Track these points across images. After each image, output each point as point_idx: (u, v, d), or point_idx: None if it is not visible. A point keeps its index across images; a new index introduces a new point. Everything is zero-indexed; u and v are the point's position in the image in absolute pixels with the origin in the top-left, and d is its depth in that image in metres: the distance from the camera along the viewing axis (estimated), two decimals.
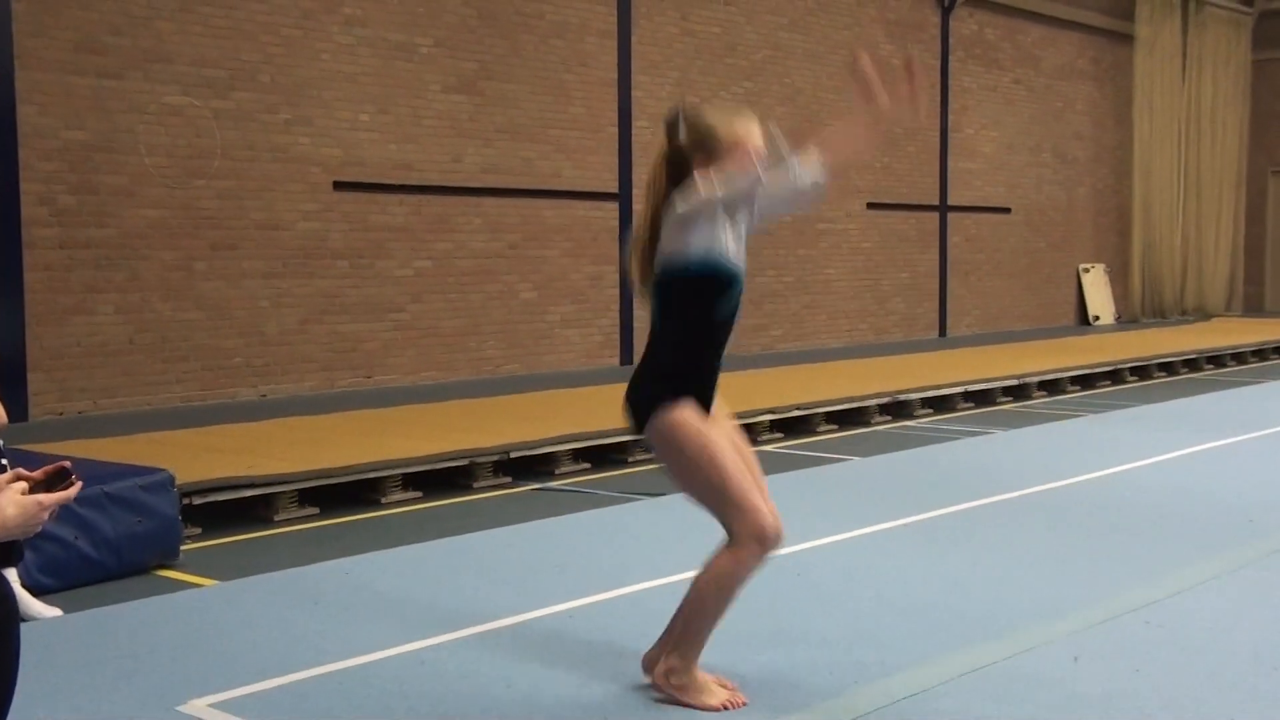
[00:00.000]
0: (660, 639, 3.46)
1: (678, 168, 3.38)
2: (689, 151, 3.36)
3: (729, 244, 3.31)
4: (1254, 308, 20.98)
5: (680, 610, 3.40)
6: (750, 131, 3.34)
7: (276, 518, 5.97)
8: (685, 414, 3.29)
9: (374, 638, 3.93)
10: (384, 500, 6.37)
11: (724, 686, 3.38)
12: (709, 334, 3.37)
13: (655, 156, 3.43)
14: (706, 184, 3.24)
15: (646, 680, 3.44)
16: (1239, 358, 13.66)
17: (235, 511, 5.93)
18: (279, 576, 4.77)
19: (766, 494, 3.37)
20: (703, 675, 3.36)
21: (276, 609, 4.29)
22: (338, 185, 10.09)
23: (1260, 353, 14.01)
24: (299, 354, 9.90)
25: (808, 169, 3.20)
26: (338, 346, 10.14)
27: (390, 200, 10.46)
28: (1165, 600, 4.28)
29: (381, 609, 4.28)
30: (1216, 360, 13.32)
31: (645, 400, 3.34)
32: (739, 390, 9.42)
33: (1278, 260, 21.19)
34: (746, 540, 3.28)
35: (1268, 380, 11.53)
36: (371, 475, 6.37)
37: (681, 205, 3.26)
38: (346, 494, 6.36)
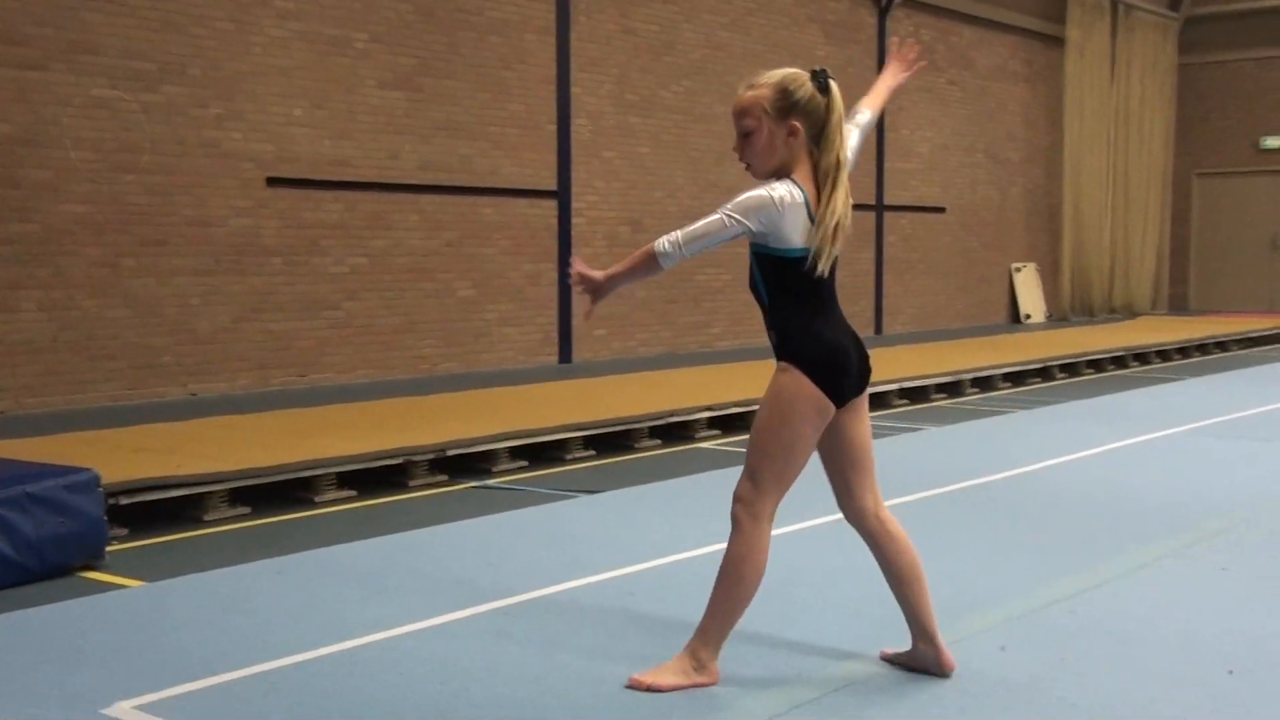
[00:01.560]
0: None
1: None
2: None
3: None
4: (1179, 307, 21.40)
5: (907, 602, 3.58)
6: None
7: (207, 518, 5.90)
8: (813, 390, 3.38)
9: (306, 638, 3.90)
10: (317, 499, 6.31)
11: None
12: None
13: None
14: None
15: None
16: (1164, 355, 13.93)
17: (164, 512, 5.86)
18: (209, 577, 4.71)
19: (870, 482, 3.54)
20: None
21: (206, 610, 4.24)
22: (271, 181, 9.99)
23: (1184, 350, 14.30)
24: (231, 352, 9.78)
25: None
26: (271, 345, 10.03)
27: (325, 197, 10.37)
28: (1090, 591, 4.36)
29: (313, 608, 4.24)
30: (1142, 358, 13.57)
31: (804, 351, 3.42)
32: (678, 388, 9.46)
33: (1202, 260, 21.64)
34: (744, 505, 3.43)
35: (1190, 377, 11.77)
36: (305, 474, 6.31)
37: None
38: (279, 493, 6.29)
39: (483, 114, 11.51)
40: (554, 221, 12.20)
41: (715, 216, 3.35)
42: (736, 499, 3.42)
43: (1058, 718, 3.22)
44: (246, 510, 6.06)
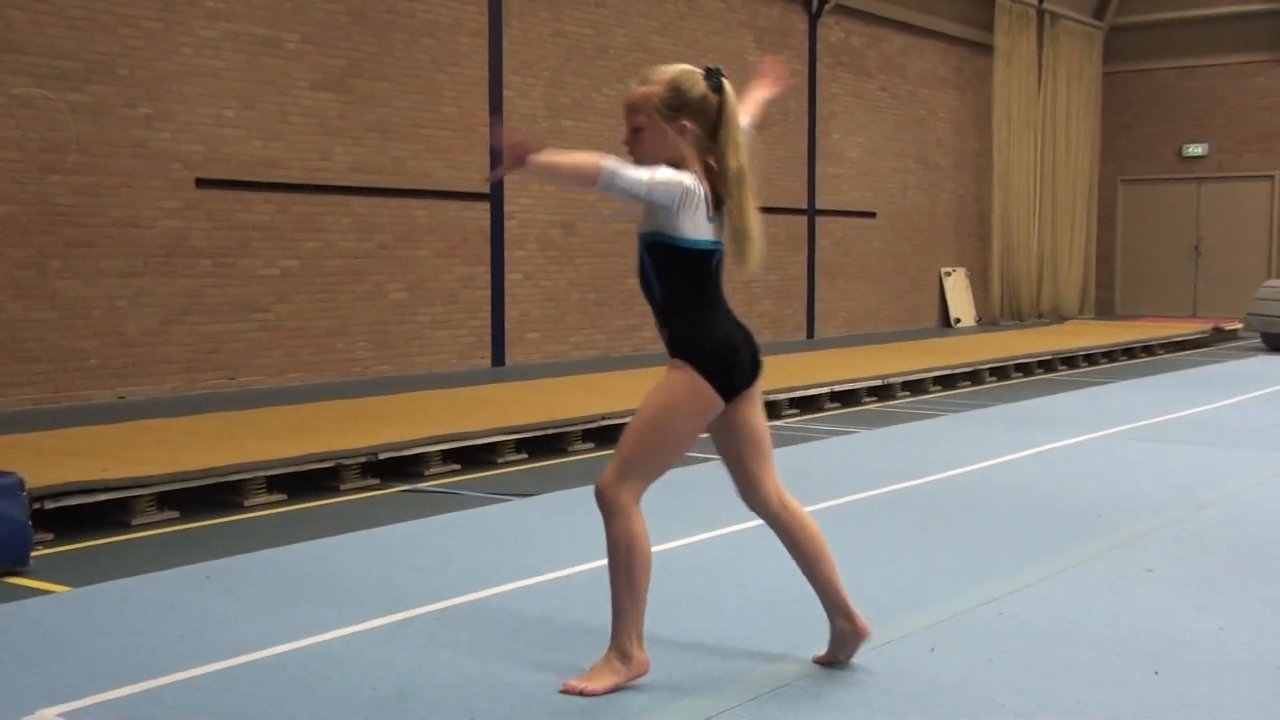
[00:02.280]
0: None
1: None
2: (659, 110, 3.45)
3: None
4: (1105, 311, 21.80)
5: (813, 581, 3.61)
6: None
7: (134, 522, 5.81)
8: (690, 386, 3.39)
9: (234, 643, 3.85)
10: (246, 503, 6.24)
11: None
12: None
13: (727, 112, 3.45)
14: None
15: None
16: (1091, 359, 14.17)
17: (90, 516, 5.75)
18: (136, 582, 4.63)
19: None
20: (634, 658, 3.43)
21: (132, 615, 4.18)
22: (200, 182, 9.85)
23: (1110, 354, 14.56)
24: (159, 355, 9.63)
25: None
26: (200, 347, 9.90)
27: (255, 198, 10.25)
28: (1018, 592, 4.42)
29: (242, 613, 4.19)
30: (1070, 361, 13.80)
31: (699, 349, 3.43)
32: (611, 391, 9.46)
33: (1127, 265, 22.06)
34: (609, 487, 3.39)
35: (1116, 380, 11.99)
36: (233, 478, 6.23)
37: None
38: (207, 497, 6.21)
39: (415, 116, 11.44)
40: (486, 224, 12.15)
41: (643, 175, 3.29)
42: (605, 485, 3.37)
43: (985, 716, 3.26)
44: (175, 515, 5.97)
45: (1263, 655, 3.75)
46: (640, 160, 3.40)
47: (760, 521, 3.69)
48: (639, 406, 3.45)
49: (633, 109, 3.41)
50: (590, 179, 3.28)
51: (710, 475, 6.95)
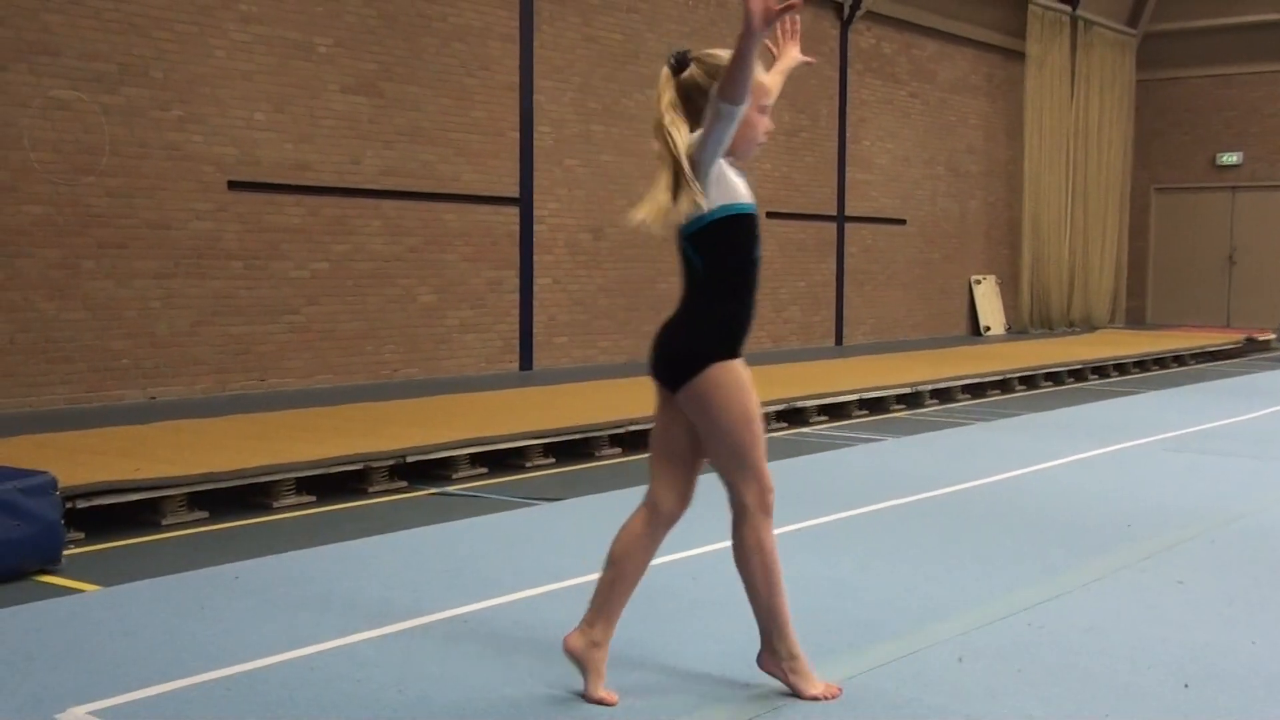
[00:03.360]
0: (762, 639, 3.50)
1: (692, 105, 3.36)
2: (703, 89, 3.33)
3: (738, 182, 3.40)
4: (1136, 320, 21.64)
5: (755, 606, 3.47)
6: (763, 77, 3.45)
7: (164, 522, 5.84)
8: (740, 374, 3.36)
9: (263, 643, 3.87)
10: (275, 504, 6.27)
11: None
12: (747, 281, 3.46)
13: (662, 102, 3.35)
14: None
15: (762, 678, 3.49)
16: (1121, 368, 14.07)
17: (121, 516, 5.79)
18: (165, 582, 4.66)
19: None
20: (804, 659, 3.44)
21: (162, 615, 4.20)
22: (232, 185, 9.92)
23: (1141, 364, 14.46)
24: (190, 356, 9.70)
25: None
26: (231, 349, 9.96)
27: (287, 201, 10.31)
28: (1047, 603, 4.39)
29: (271, 614, 4.21)
30: (1100, 371, 13.70)
31: (695, 354, 3.34)
32: (639, 396, 9.46)
33: (1159, 274, 21.90)
34: (755, 510, 3.39)
35: (1147, 390, 11.90)
36: (263, 479, 6.27)
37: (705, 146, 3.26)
38: (237, 498, 6.24)
39: (445, 120, 11.48)
40: (515, 228, 12.18)
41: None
42: (743, 515, 3.39)
43: None
44: (204, 515, 6.00)
45: None
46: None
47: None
48: (712, 432, 3.42)
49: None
50: (745, 91, 3.19)
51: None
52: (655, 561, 4.97)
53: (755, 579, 3.42)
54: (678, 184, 3.31)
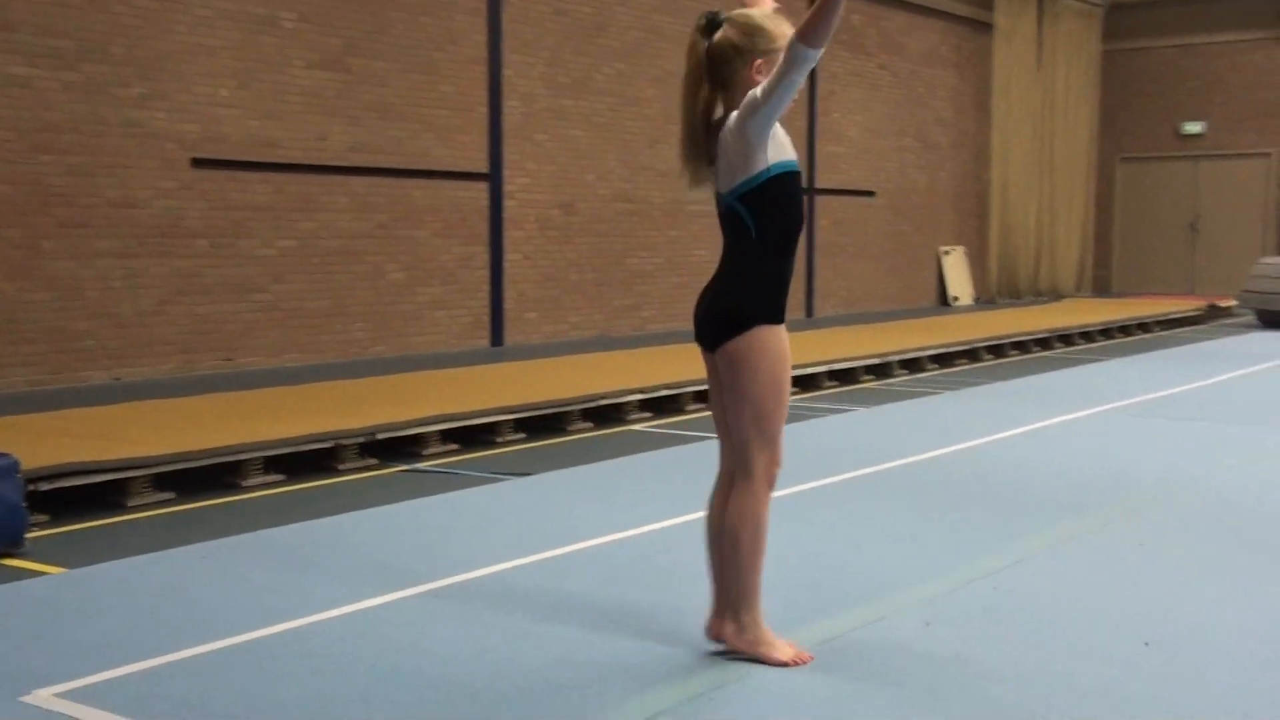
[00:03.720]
0: (714, 605, 3.51)
1: (719, 70, 3.36)
2: (740, 49, 3.33)
3: (786, 139, 3.43)
4: (1102, 289, 21.79)
5: (722, 570, 3.47)
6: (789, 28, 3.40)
7: (130, 503, 5.81)
8: (783, 341, 3.41)
9: (232, 622, 3.87)
10: (245, 484, 6.25)
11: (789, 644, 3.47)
12: (794, 239, 3.47)
13: (691, 64, 3.36)
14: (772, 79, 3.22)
15: (716, 648, 3.50)
16: (1087, 337, 14.18)
17: (86, 497, 5.76)
18: (133, 563, 4.65)
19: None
20: (768, 629, 3.45)
21: (130, 596, 4.19)
22: (196, 162, 9.83)
23: (1106, 332, 14.57)
24: (155, 336, 9.63)
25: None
26: (197, 328, 9.89)
27: (252, 178, 10.22)
28: (1013, 567, 4.44)
29: (240, 593, 4.21)
30: (1066, 339, 13.81)
31: (743, 313, 3.36)
32: (610, 371, 9.47)
33: (1125, 243, 22.04)
34: (760, 479, 3.42)
35: (1113, 358, 12.00)
36: (231, 458, 6.24)
37: (764, 105, 3.23)
38: (205, 478, 6.22)
39: (413, 95, 11.41)
40: (485, 204, 12.13)
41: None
42: (748, 479, 3.41)
43: (980, 690, 3.28)
44: (171, 495, 5.98)
45: (1252, 627, 3.77)
46: None
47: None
48: (738, 394, 3.46)
49: None
50: (829, 34, 3.20)
51: (717, 453, 6.97)
52: (627, 533, 5.00)
53: (741, 548, 3.42)
54: (696, 148, 3.33)
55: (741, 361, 3.36)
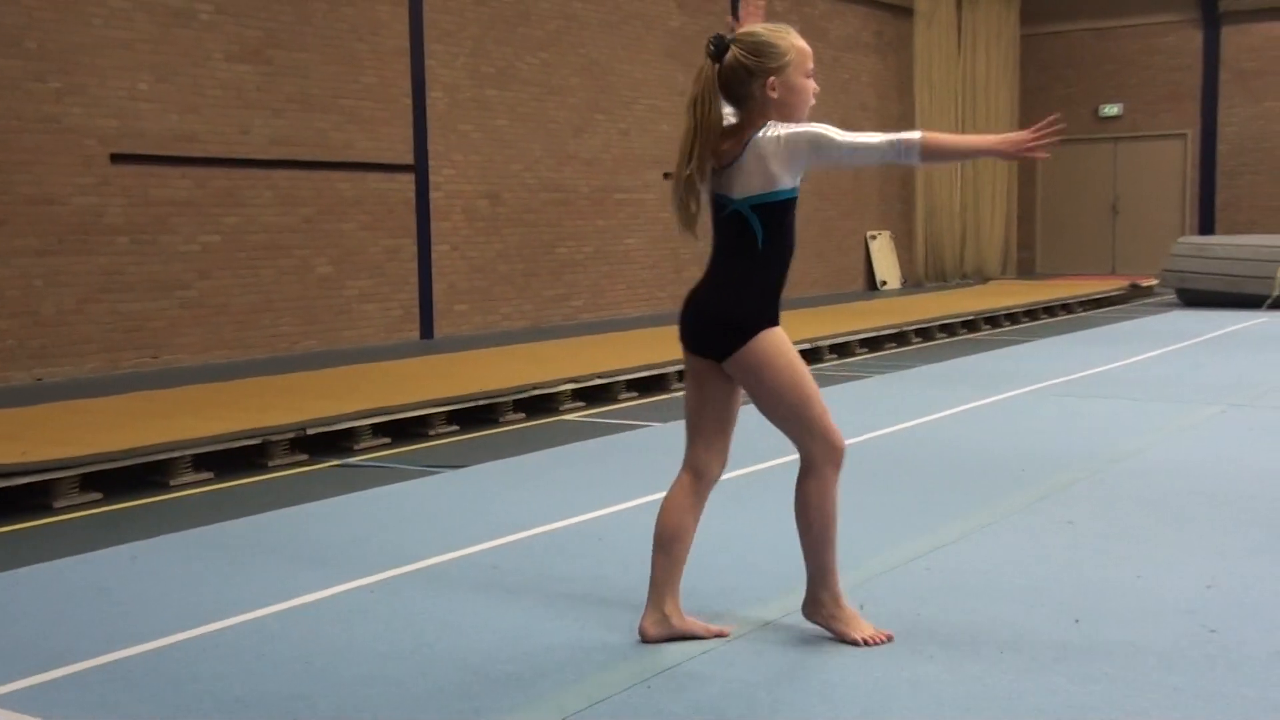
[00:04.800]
0: (808, 589, 3.59)
1: (734, 88, 3.44)
2: (751, 70, 3.39)
3: None
4: (1026, 271, 22.12)
5: (807, 553, 3.56)
6: (802, 43, 3.47)
7: (56, 505, 5.71)
8: (785, 338, 3.51)
9: (162, 624, 3.81)
10: (173, 483, 6.16)
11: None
12: (791, 254, 3.58)
13: (700, 89, 3.42)
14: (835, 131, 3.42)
15: (812, 625, 3.59)
16: (1012, 318, 14.40)
17: (10, 500, 5.64)
18: (59, 565, 4.57)
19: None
20: (849, 608, 3.55)
21: (56, 599, 4.12)
22: (115, 158, 9.66)
23: (1031, 313, 14.80)
24: (78, 335, 9.45)
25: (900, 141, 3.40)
26: (120, 326, 9.73)
27: (173, 173, 10.07)
28: (944, 548, 4.51)
29: (170, 593, 4.15)
30: (993, 321, 14.00)
31: (746, 321, 3.45)
32: (541, 361, 9.46)
33: (1047, 225, 22.39)
34: (823, 464, 3.50)
35: (1037, 339, 12.20)
36: (159, 457, 6.15)
37: (836, 135, 3.40)
38: (133, 478, 6.12)
39: (336, 86, 11.29)
40: (411, 195, 12.05)
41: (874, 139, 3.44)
42: (811, 467, 3.50)
43: (914, 668, 3.33)
44: (98, 496, 5.88)
45: (1176, 601, 3.86)
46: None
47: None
48: (768, 396, 3.51)
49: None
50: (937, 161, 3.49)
51: (651, 440, 6.99)
52: (562, 523, 5.00)
53: (811, 532, 3.53)
54: (701, 155, 3.41)
55: (761, 366, 3.49)
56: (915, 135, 3.36)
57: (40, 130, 9.20)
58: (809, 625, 3.64)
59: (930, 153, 3.36)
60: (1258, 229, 19.70)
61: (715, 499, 3.77)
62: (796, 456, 3.59)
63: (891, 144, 3.38)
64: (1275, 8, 19.94)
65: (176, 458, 6.22)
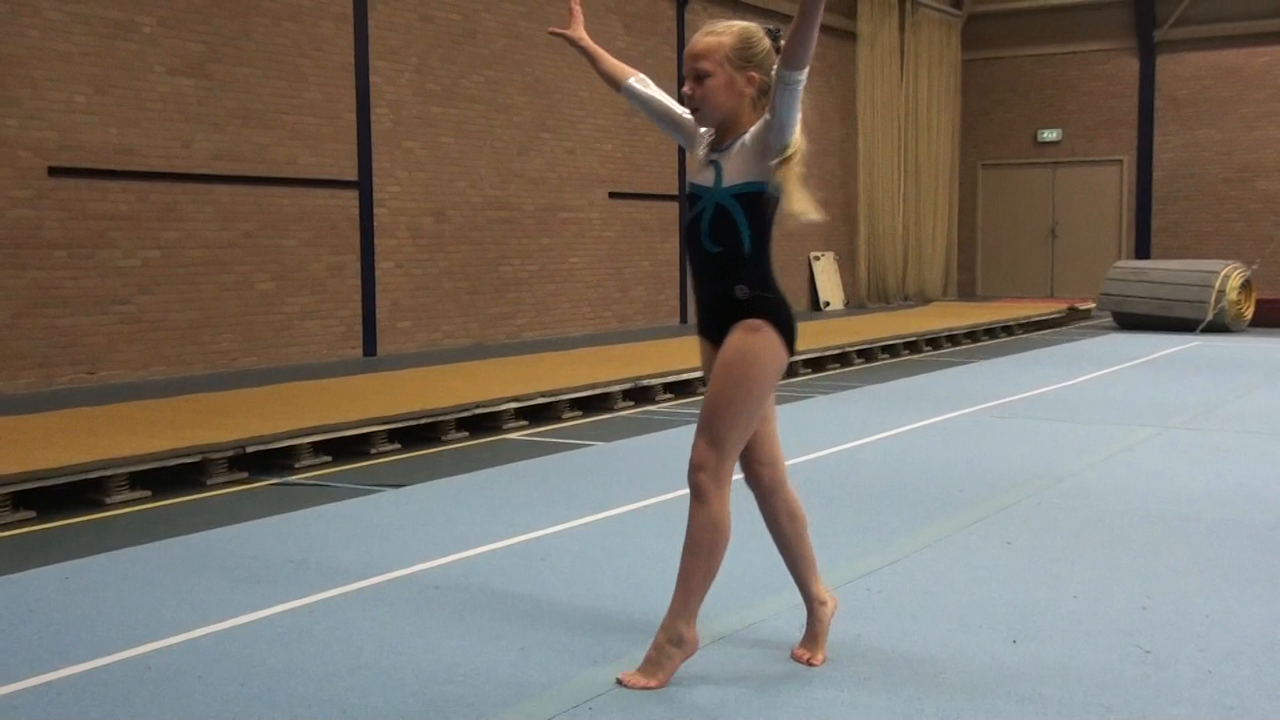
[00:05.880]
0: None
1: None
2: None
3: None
4: (967, 293, 22.40)
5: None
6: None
7: None
8: (783, 349, 3.39)
9: (96, 644, 3.75)
10: (108, 501, 6.06)
11: None
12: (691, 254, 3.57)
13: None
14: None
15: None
16: (954, 339, 14.57)
17: None
18: None
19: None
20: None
21: None
22: (53, 171, 9.51)
23: (972, 334, 14.98)
24: (11, 350, 9.29)
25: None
26: (56, 341, 9.57)
27: (112, 187, 9.93)
28: (885, 568, 4.54)
29: (104, 614, 4.08)
30: (934, 342, 14.16)
31: (774, 308, 3.38)
32: (485, 379, 9.42)
33: (987, 248, 22.70)
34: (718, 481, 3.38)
35: (977, 360, 12.34)
36: (94, 475, 6.05)
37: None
38: (66, 496, 6.02)
39: (278, 102, 11.21)
40: (355, 212, 11.97)
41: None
42: (699, 467, 3.33)
43: (852, 690, 3.35)
44: (30, 515, 5.77)
45: (1113, 621, 3.92)
46: (701, 110, 3.40)
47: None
48: (718, 381, 3.36)
49: (699, 56, 3.37)
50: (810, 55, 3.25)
51: (594, 460, 6.98)
52: (505, 542, 4.98)
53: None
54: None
55: (746, 352, 3.43)
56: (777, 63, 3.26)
57: None
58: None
59: (789, 59, 3.22)
60: (1192, 254, 20.10)
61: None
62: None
63: (774, 85, 3.27)
64: (1208, 38, 20.40)
65: (112, 475, 6.12)
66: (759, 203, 3.37)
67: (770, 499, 3.59)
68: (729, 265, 3.40)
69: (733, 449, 3.35)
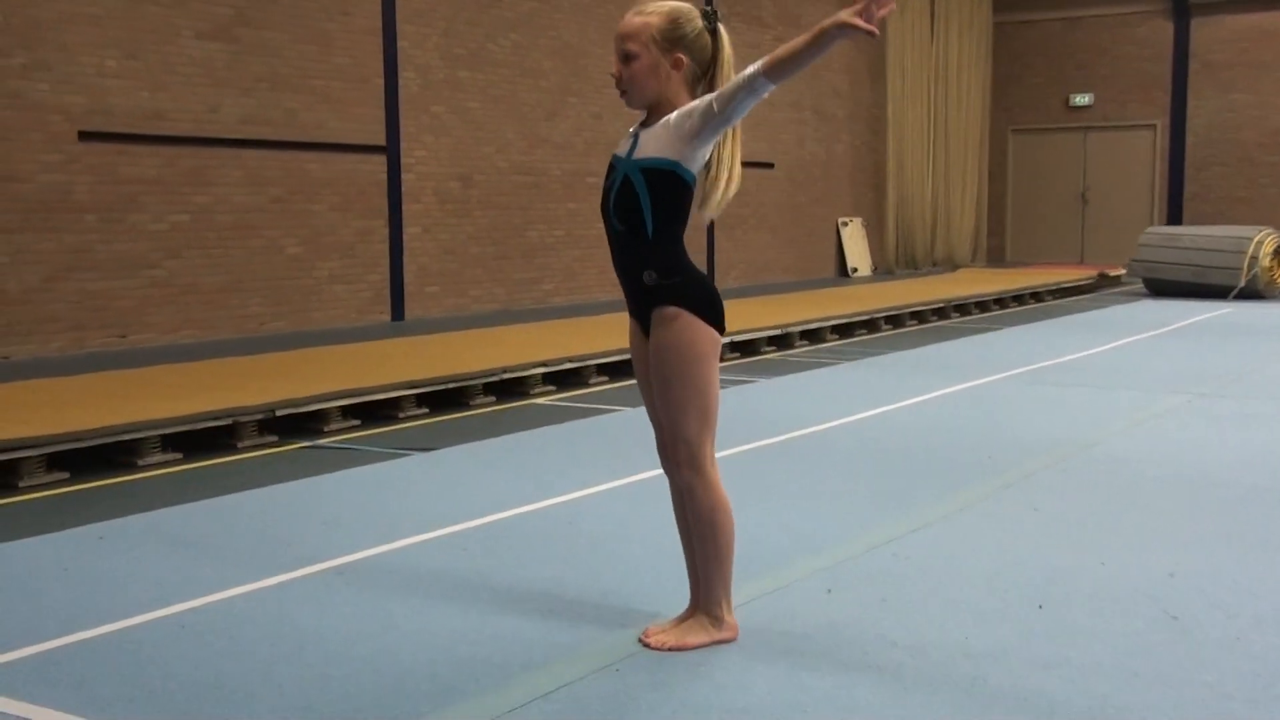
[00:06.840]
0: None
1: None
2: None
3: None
4: (996, 259, 22.25)
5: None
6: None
7: (22, 484, 5.66)
8: (707, 329, 3.40)
9: (131, 602, 3.80)
10: (141, 463, 6.12)
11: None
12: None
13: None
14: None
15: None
16: (982, 306, 14.49)
17: None
18: (24, 545, 4.54)
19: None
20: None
21: (22, 578, 4.09)
22: (83, 135, 9.56)
23: (1001, 301, 14.89)
24: (44, 313, 9.37)
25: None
26: (88, 305, 9.64)
27: (142, 151, 9.97)
28: (912, 534, 4.54)
29: (138, 574, 4.13)
30: (962, 309, 14.08)
31: (686, 290, 3.36)
32: (512, 344, 9.44)
33: (1017, 214, 22.53)
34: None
35: (1007, 326, 12.28)
36: (126, 437, 6.11)
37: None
38: (100, 457, 6.08)
39: (306, 66, 11.21)
40: (383, 177, 11.99)
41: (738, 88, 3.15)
42: (678, 465, 3.38)
43: (879, 654, 3.36)
44: (65, 476, 5.84)
45: (1140, 586, 3.91)
46: (628, 93, 3.32)
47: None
48: (657, 379, 3.39)
49: (625, 37, 3.29)
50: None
51: (622, 425, 7.00)
52: (531, 507, 5.01)
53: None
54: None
55: (675, 340, 3.45)
56: (756, 65, 3.12)
57: (4, 106, 9.09)
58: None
59: (774, 72, 3.10)
60: (1224, 220, 19.88)
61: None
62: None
63: (742, 84, 3.15)
64: (1244, 0, 20.09)
65: (144, 438, 6.18)
66: (667, 182, 3.27)
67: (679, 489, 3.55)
68: (633, 246, 3.34)
69: (699, 436, 3.38)
